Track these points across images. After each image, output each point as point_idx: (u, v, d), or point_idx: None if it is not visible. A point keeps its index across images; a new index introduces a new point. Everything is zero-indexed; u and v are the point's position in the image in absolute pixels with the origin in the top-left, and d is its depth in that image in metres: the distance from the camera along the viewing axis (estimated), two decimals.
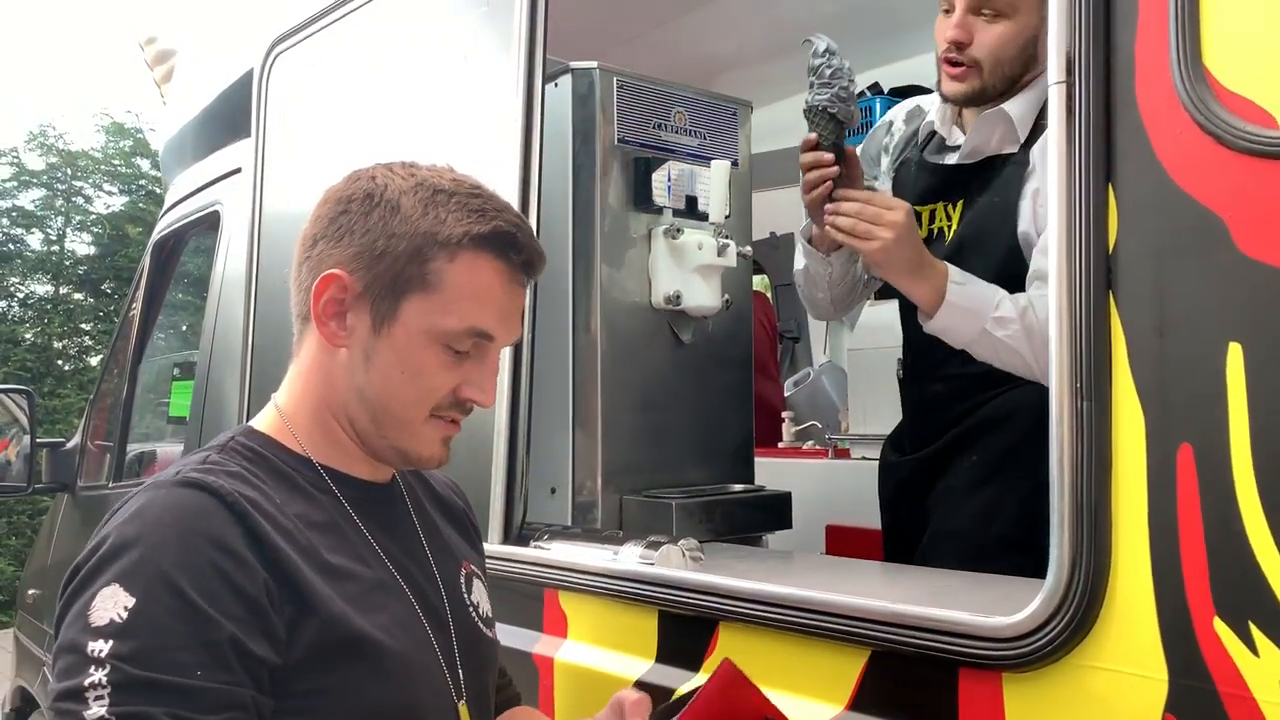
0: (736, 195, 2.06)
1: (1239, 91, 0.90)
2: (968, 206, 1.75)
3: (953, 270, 1.61)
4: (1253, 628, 0.85)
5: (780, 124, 3.18)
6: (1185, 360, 0.91)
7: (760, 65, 3.10)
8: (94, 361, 10.31)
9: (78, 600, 0.90)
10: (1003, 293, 1.58)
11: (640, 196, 1.96)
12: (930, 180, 1.82)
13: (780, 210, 3.22)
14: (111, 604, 0.87)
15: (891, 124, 1.99)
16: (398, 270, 1.05)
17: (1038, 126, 1.68)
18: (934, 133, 1.85)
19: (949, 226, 1.77)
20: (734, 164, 2.07)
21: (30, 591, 3.87)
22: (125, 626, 0.87)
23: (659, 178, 1.99)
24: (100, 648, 0.86)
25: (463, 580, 1.21)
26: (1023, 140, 1.70)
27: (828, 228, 1.64)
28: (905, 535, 1.82)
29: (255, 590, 0.93)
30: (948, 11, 1.71)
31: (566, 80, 1.95)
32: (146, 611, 0.88)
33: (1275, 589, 0.84)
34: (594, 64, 1.95)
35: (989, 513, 1.65)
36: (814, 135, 1.67)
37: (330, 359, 1.09)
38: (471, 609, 1.20)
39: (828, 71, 1.65)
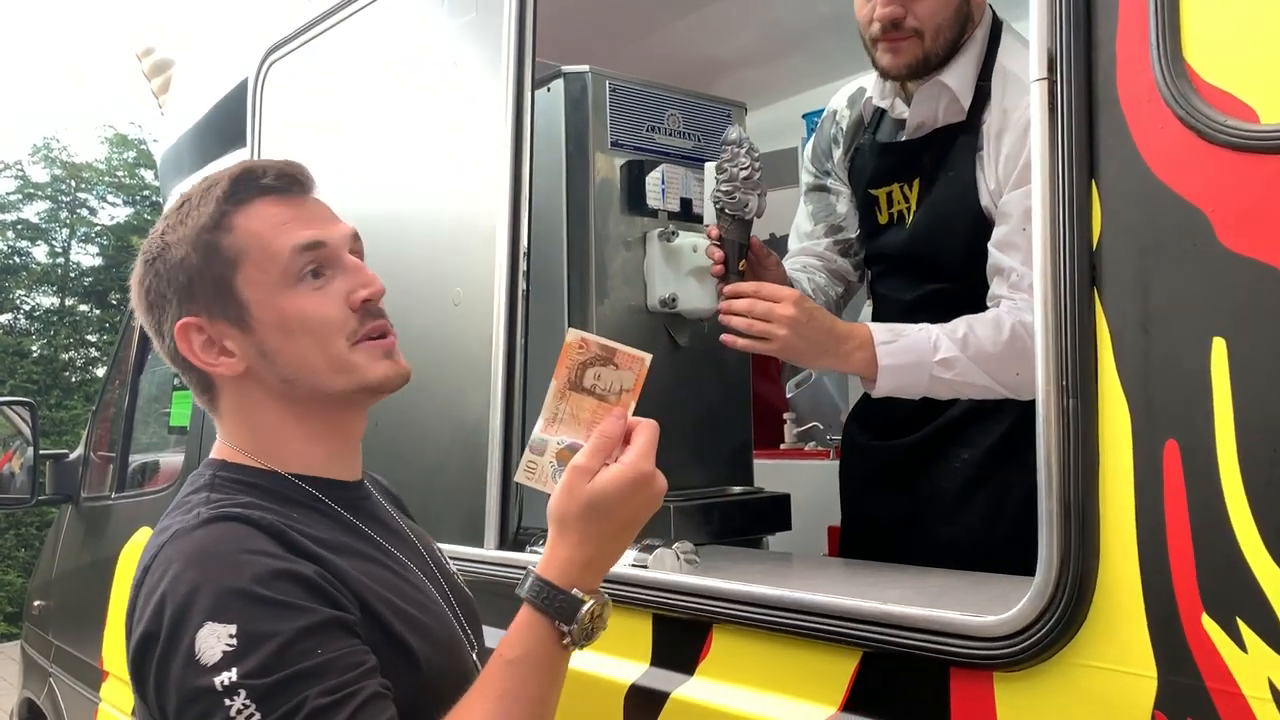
0: None
1: (1220, 85, 0.89)
2: (924, 184, 1.71)
3: (876, 330, 1.54)
4: (1240, 624, 0.85)
5: (777, 125, 3.19)
6: (1170, 356, 0.91)
7: (756, 67, 3.10)
8: (100, 373, 10.34)
9: (175, 658, 0.91)
10: (938, 330, 1.53)
11: (634, 200, 1.96)
12: (882, 161, 1.79)
13: (777, 211, 3.21)
14: (215, 640, 0.90)
15: (836, 113, 1.95)
16: (210, 274, 1.07)
17: (979, 91, 1.65)
18: (880, 112, 1.82)
19: (908, 208, 1.74)
20: None
21: (35, 603, 3.88)
22: (239, 650, 0.89)
23: (653, 180, 1.99)
24: (227, 678, 0.88)
25: (436, 551, 1.27)
26: (966, 108, 1.66)
27: (721, 337, 1.58)
28: (873, 527, 1.81)
29: (317, 580, 0.97)
30: None
31: (559, 84, 1.96)
32: (248, 628, 0.90)
33: (1262, 584, 0.84)
34: (586, 68, 1.95)
35: (992, 514, 1.63)
36: (715, 228, 1.64)
37: (247, 388, 1.10)
38: (454, 574, 1.27)
39: (721, 163, 1.63)
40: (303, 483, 1.10)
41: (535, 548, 1.64)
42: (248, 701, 0.88)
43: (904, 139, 1.75)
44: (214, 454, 1.14)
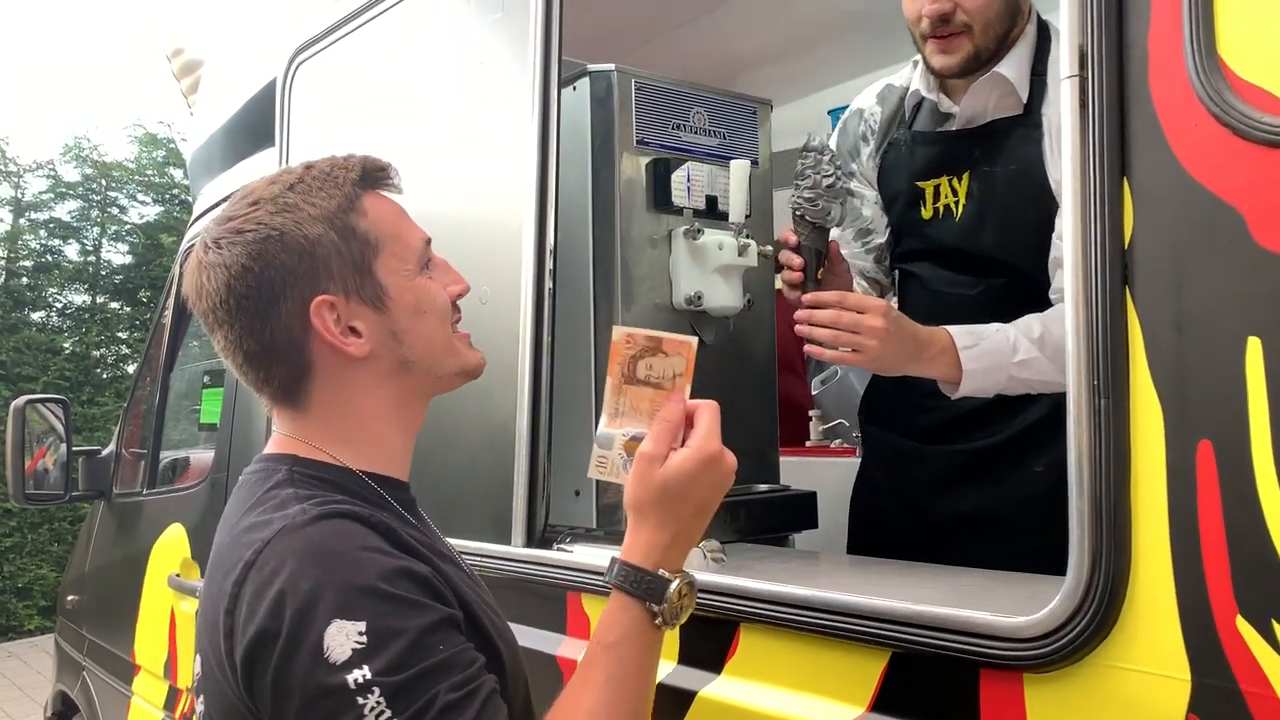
0: (757, 195, 2.05)
1: (1255, 82, 0.88)
2: (975, 178, 1.68)
3: (957, 334, 1.52)
4: (1276, 626, 0.84)
5: (804, 121, 3.17)
6: (1203, 355, 0.90)
7: (781, 63, 3.09)
8: (131, 369, 10.45)
9: (299, 656, 0.91)
10: (1015, 331, 1.51)
11: (660, 197, 1.96)
12: (930, 153, 1.76)
13: None
14: (344, 637, 0.90)
15: (863, 111, 1.92)
16: (350, 254, 1.10)
17: (1034, 84, 1.63)
18: (919, 104, 1.79)
19: (956, 202, 1.71)
20: (754, 163, 2.06)
21: (69, 598, 3.93)
22: (369, 648, 0.90)
23: (678, 178, 1.98)
24: (360, 676, 0.89)
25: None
26: (1025, 100, 1.64)
27: (806, 348, 1.54)
28: (921, 524, 1.79)
29: (432, 579, 1.00)
30: None
31: (584, 83, 1.96)
32: (377, 626, 0.91)
33: None
34: (611, 66, 1.95)
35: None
36: (794, 235, 1.62)
37: (358, 374, 1.12)
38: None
39: (804, 170, 1.60)
40: (372, 481, 1.12)
41: (563, 545, 1.65)
42: (381, 699, 0.89)
43: (955, 129, 1.73)
44: (279, 448, 1.13)
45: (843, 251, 1.94)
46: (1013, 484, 1.65)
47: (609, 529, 1.84)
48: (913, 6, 1.65)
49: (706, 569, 1.43)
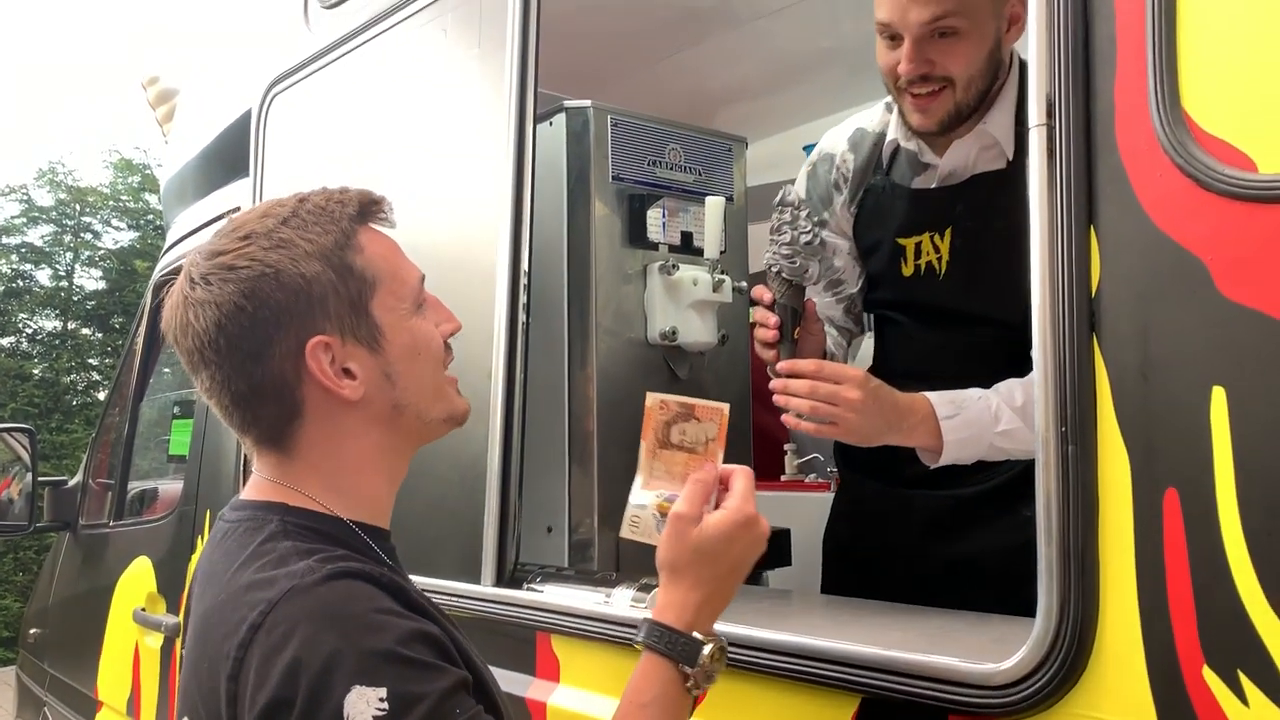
0: (732, 231, 2.06)
1: (1218, 135, 0.89)
2: (957, 234, 1.64)
3: (937, 402, 1.48)
4: (1242, 677, 0.84)
5: (779, 156, 3.19)
6: (1169, 403, 0.90)
7: (758, 99, 3.12)
8: (102, 396, 10.34)
9: (307, 713, 0.88)
10: (997, 399, 1.48)
11: (635, 233, 1.97)
12: (910, 209, 1.70)
13: None
14: (365, 704, 0.88)
15: (834, 157, 1.83)
16: (346, 293, 1.05)
17: (1019, 135, 1.58)
18: (896, 150, 1.73)
19: (939, 259, 1.67)
20: (729, 200, 2.07)
21: (32, 630, 3.86)
22: (391, 714, 0.88)
23: (654, 214, 1.99)
24: None
25: None
26: (1011, 157, 1.59)
27: (782, 417, 1.50)
28: (902, 567, 1.77)
29: (444, 640, 0.98)
30: (892, 38, 1.54)
31: (561, 118, 1.97)
32: (397, 691, 0.89)
33: (1264, 637, 0.83)
34: (588, 102, 1.96)
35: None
36: (769, 292, 1.56)
37: (348, 418, 1.07)
38: None
39: (780, 225, 1.54)
40: (360, 531, 1.08)
41: (534, 585, 1.63)
42: None
43: (936, 186, 1.67)
44: (264, 494, 1.08)
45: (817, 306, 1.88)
46: (1001, 530, 1.61)
47: (580, 567, 1.83)
48: (887, 61, 1.58)
49: None
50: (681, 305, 1.98)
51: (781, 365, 1.49)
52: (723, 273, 1.98)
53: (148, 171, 11.31)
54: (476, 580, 1.67)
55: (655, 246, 1.98)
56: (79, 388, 10.89)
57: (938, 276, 1.68)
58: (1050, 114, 0.99)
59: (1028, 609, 1.13)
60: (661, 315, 1.96)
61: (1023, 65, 1.64)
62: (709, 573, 1.05)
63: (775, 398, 1.48)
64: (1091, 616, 0.93)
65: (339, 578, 0.95)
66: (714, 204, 1.95)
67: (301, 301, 1.03)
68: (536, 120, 1.80)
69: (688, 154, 2.07)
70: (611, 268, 1.94)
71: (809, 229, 1.52)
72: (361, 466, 1.09)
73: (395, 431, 1.10)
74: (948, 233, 1.66)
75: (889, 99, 1.72)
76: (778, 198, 1.56)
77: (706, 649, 1.03)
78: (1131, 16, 0.95)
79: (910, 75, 1.53)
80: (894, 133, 1.72)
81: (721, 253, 1.96)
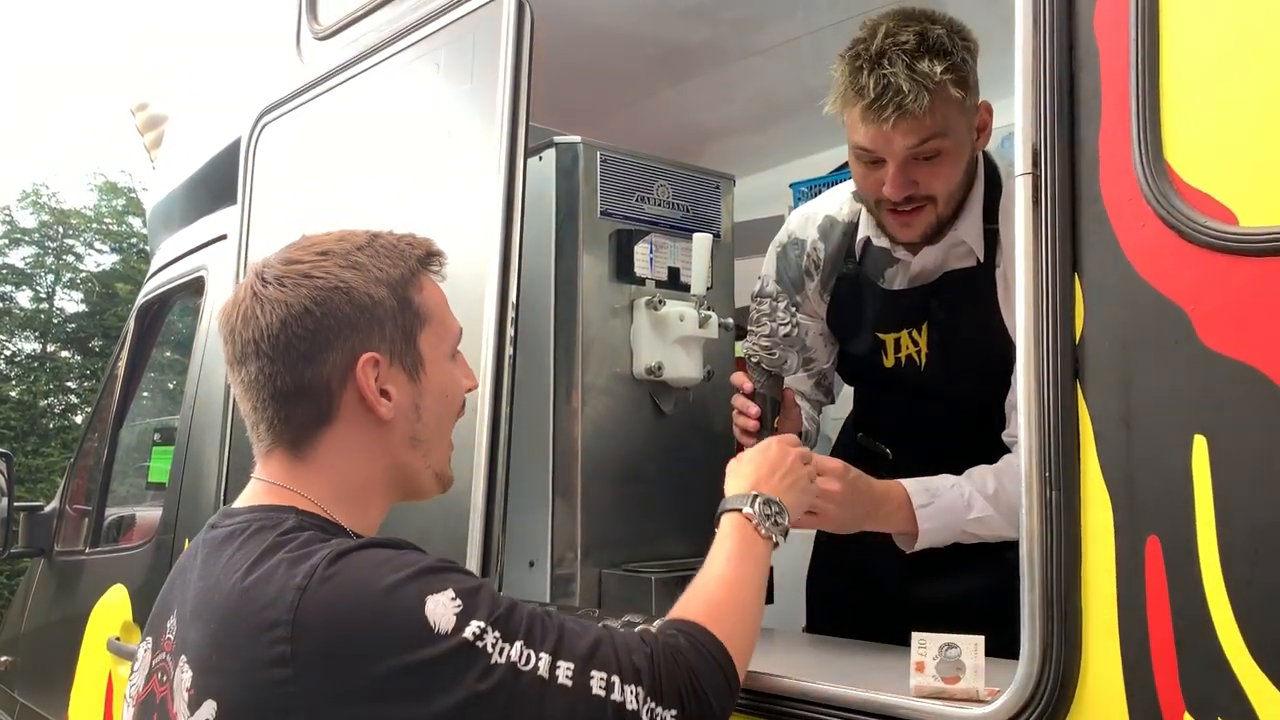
0: (719, 267, 2.07)
1: (1200, 187, 0.91)
2: (934, 328, 1.69)
3: (912, 490, 1.52)
4: None
5: (766, 193, 3.22)
6: (1151, 451, 0.91)
7: (744, 136, 3.15)
8: (80, 420, 10.25)
9: (409, 646, 0.96)
10: (970, 488, 1.51)
11: (623, 268, 1.97)
12: (887, 307, 1.75)
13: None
14: (442, 608, 0.98)
15: (804, 243, 1.88)
16: (402, 322, 1.16)
17: (988, 235, 1.62)
18: (867, 242, 1.77)
19: (918, 352, 1.71)
20: (716, 236, 2.09)
21: (2, 659, 3.80)
22: (466, 606, 0.99)
23: (641, 249, 2.00)
24: (473, 629, 0.98)
25: None
26: (981, 258, 1.64)
27: None
28: (888, 608, 1.77)
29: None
30: (871, 163, 1.57)
31: (550, 154, 1.98)
32: (460, 588, 1.00)
33: (1244, 685, 0.83)
34: (578, 138, 1.97)
35: None
36: (749, 381, 1.60)
37: (372, 436, 1.16)
38: None
39: (759, 317, 1.58)
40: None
41: None
42: (496, 635, 0.98)
43: (906, 286, 1.72)
44: (273, 498, 1.13)
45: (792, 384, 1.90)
46: (985, 572, 1.63)
47: (562, 603, 1.82)
48: (867, 183, 1.61)
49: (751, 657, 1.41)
50: (668, 340, 1.98)
51: None
52: (709, 309, 1.99)
53: (132, 195, 11.29)
54: None
55: (642, 281, 1.99)
56: (56, 410, 10.80)
57: (919, 367, 1.72)
58: (1035, 163, 1.01)
59: (1010, 651, 1.14)
60: (648, 350, 1.97)
61: (989, 166, 1.69)
62: (749, 470, 1.37)
63: None
64: (1074, 662, 0.94)
65: (372, 546, 1.04)
66: (701, 240, 1.96)
67: (364, 319, 1.13)
68: (527, 155, 1.81)
69: (676, 190, 2.09)
70: (598, 302, 1.94)
71: (787, 320, 1.55)
72: (368, 485, 1.18)
73: (403, 466, 1.19)
74: (924, 327, 1.70)
75: (855, 189, 1.75)
76: (756, 288, 1.59)
77: (757, 496, 1.31)
78: (1116, 69, 0.97)
79: (896, 197, 1.56)
80: (866, 230, 1.76)
81: (708, 289, 1.97)
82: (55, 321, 10.90)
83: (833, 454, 2.07)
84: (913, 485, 1.52)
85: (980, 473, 1.52)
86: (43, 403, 10.57)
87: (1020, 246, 1.01)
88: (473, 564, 1.67)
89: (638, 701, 1.02)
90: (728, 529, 1.28)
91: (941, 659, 1.13)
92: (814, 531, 2.47)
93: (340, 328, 1.12)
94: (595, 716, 1.00)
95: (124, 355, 3.38)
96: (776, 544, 1.31)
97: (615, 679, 1.02)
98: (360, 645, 0.96)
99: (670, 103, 2.89)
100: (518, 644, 0.99)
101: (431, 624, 0.96)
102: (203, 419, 2.63)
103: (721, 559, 1.24)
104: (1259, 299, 0.86)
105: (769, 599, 2.00)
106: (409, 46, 2.05)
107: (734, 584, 1.21)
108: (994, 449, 1.60)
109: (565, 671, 1.00)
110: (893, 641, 1.51)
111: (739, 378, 1.61)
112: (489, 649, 0.98)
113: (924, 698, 1.10)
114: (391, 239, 1.21)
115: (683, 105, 2.91)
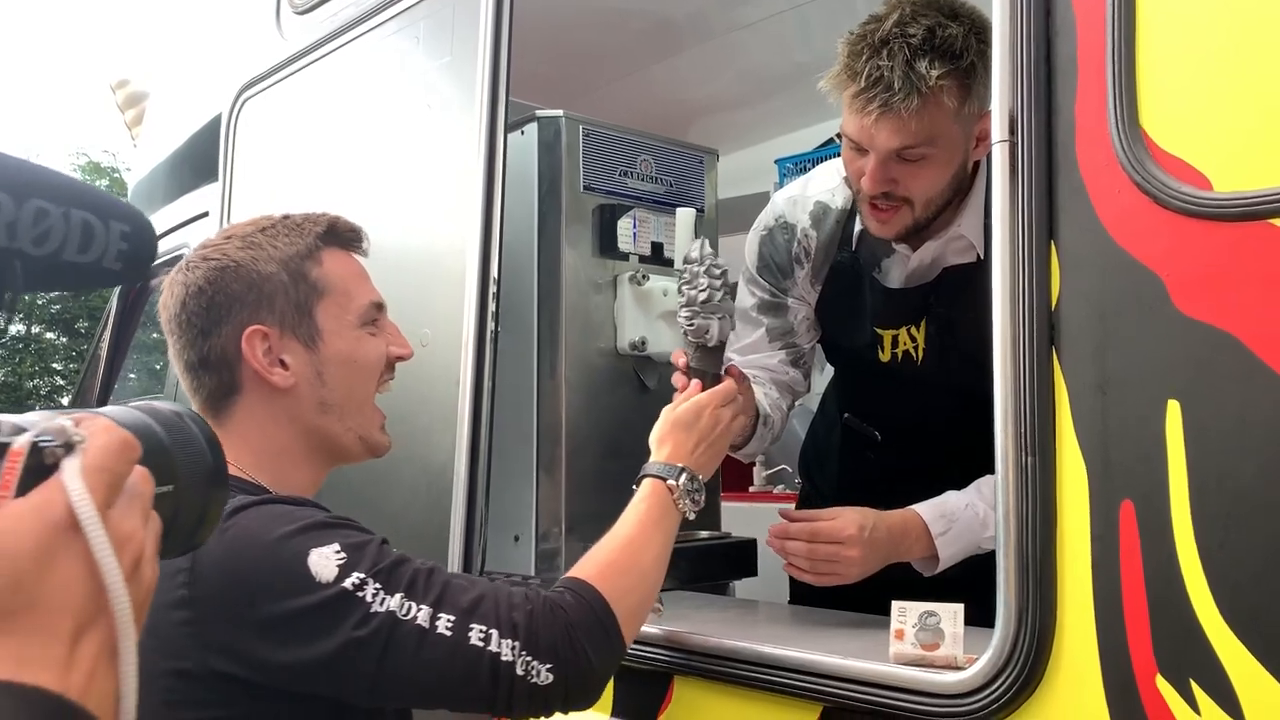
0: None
1: (1175, 153, 0.91)
2: (932, 322, 1.65)
3: (929, 518, 1.48)
4: (1194, 685, 0.85)
5: (751, 169, 3.22)
6: (1126, 417, 0.92)
7: (730, 112, 3.13)
8: (65, 401, 10.21)
9: (291, 592, 1.03)
10: (982, 506, 1.48)
11: (606, 243, 1.97)
12: (885, 304, 1.70)
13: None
14: (325, 559, 1.04)
15: (795, 228, 1.79)
16: (294, 295, 1.23)
17: (988, 231, 1.52)
18: (864, 230, 1.70)
19: (915, 347, 1.68)
20: (700, 211, 2.08)
21: None
22: (350, 559, 1.05)
23: (624, 224, 2.00)
24: (354, 580, 1.04)
25: None
26: (982, 254, 1.58)
27: (784, 566, 1.51)
28: (869, 582, 1.79)
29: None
30: (856, 149, 1.53)
31: (533, 128, 1.97)
32: (346, 543, 1.06)
33: (1215, 646, 0.84)
34: (560, 112, 1.96)
35: None
36: (684, 356, 1.51)
37: (278, 404, 1.24)
38: None
39: (684, 285, 1.49)
40: None
41: None
42: (377, 586, 1.04)
43: (903, 285, 1.68)
44: None
45: (767, 360, 1.85)
46: None
47: (546, 576, 1.82)
48: (853, 168, 1.56)
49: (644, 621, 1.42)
50: (651, 315, 1.98)
51: (775, 529, 1.50)
52: None
53: (116, 175, 11.21)
54: None
55: (625, 257, 1.99)
56: (42, 392, 10.75)
57: (915, 363, 1.69)
58: (1013, 130, 1.01)
59: (988, 620, 1.15)
60: (631, 325, 1.97)
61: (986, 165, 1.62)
62: (682, 438, 1.37)
63: (770, 540, 1.50)
64: (1049, 626, 0.95)
65: (271, 502, 1.12)
66: (685, 215, 1.95)
67: (252, 294, 1.22)
68: (508, 129, 1.80)
69: (659, 165, 2.08)
70: (581, 277, 1.94)
71: (705, 285, 1.47)
72: (286, 449, 1.25)
73: (318, 431, 1.26)
74: (923, 323, 1.67)
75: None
76: (684, 254, 1.52)
77: (684, 471, 1.32)
78: (1093, 36, 0.97)
79: (872, 191, 1.52)
80: (860, 222, 1.70)
81: None
82: (40, 303, 10.83)
83: (811, 427, 2.07)
84: (929, 513, 1.49)
85: (989, 485, 1.47)
86: (28, 384, 10.52)
87: (997, 214, 1.01)
88: (456, 537, 1.67)
89: (513, 654, 1.06)
90: (648, 493, 1.30)
91: (921, 626, 1.14)
92: (791, 507, 2.49)
93: (230, 303, 1.21)
94: (472, 665, 1.05)
95: (107, 335, 3.36)
96: (689, 518, 1.33)
97: (494, 632, 1.06)
98: (247, 590, 1.04)
99: (655, 78, 2.88)
100: (398, 595, 1.05)
101: (314, 573, 1.03)
102: (186, 398, 2.62)
103: (633, 520, 1.27)
104: (1232, 264, 0.86)
105: (752, 571, 2.03)
106: (388, 20, 2.03)
107: (637, 548, 1.23)
108: (983, 431, 1.58)
109: (445, 623, 1.05)
110: (873, 612, 1.52)
111: (676, 353, 1.53)
112: (368, 598, 1.03)
113: (903, 664, 1.11)
114: (300, 217, 1.29)
115: (667, 81, 2.89)
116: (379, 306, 1.31)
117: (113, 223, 0.70)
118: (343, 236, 1.31)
